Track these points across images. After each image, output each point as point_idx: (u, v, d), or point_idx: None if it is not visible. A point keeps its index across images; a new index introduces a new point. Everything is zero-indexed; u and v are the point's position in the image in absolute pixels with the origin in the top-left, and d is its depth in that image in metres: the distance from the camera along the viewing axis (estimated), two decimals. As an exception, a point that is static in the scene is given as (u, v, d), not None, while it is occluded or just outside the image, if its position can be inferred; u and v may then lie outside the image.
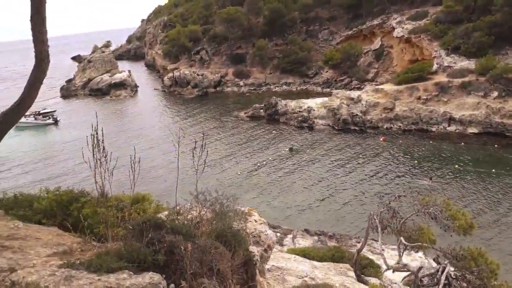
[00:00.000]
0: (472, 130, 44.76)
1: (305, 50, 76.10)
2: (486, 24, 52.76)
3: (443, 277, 9.86)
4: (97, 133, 5.82)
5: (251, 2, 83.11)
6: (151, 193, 11.18)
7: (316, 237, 24.93)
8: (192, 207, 6.73)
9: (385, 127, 48.70)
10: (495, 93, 44.64)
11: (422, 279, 10.75)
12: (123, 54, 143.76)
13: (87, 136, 5.90)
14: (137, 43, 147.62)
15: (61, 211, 7.95)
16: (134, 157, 6.18)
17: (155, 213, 8.02)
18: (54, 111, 66.51)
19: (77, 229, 7.12)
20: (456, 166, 36.85)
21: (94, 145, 5.86)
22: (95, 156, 5.95)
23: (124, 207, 7.46)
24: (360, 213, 29.15)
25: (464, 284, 10.15)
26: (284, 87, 75.25)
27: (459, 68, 50.62)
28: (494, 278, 11.32)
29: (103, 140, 5.94)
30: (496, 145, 41.09)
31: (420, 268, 11.15)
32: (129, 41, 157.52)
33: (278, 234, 23.11)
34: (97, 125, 5.88)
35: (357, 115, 49.72)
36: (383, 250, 13.29)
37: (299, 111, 53.42)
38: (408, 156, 40.19)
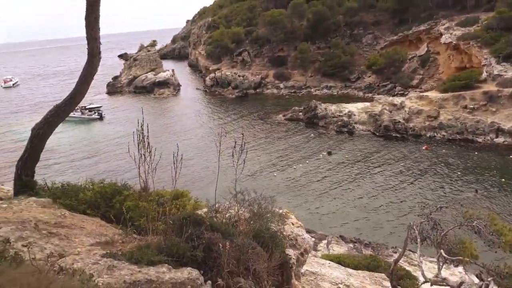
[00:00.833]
0: (522, 142, 42.65)
1: (348, 54, 75.08)
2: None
3: (486, 295, 9.42)
4: (142, 129, 5.97)
5: (295, 5, 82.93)
6: (189, 190, 11.37)
7: (351, 245, 24.52)
8: (230, 206, 6.78)
9: (428, 135, 47.20)
10: (550, 105, 42.27)
11: (463, 295, 10.30)
12: (167, 54, 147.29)
13: (133, 132, 6.06)
14: (181, 43, 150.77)
15: (105, 202, 8.23)
16: (177, 154, 6.29)
17: (194, 209, 8.14)
18: (100, 106, 69.01)
19: (119, 221, 7.32)
20: (503, 179, 35.12)
21: (140, 141, 6.01)
22: (140, 151, 6.10)
23: (164, 202, 7.62)
24: (399, 223, 28.37)
25: (508, 304, 9.67)
26: (325, 90, 74.53)
27: (510, 77, 48.27)
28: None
29: (148, 136, 6.08)
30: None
31: (461, 283, 10.69)
32: (173, 41, 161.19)
33: (313, 239, 22.90)
34: (143, 121, 6.03)
35: (399, 122, 48.48)
36: (421, 262, 12.86)
37: (339, 115, 52.73)
38: (451, 167, 38.73)
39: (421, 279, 12.51)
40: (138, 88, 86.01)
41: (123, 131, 55.30)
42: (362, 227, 28.73)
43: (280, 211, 7.08)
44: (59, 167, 42.42)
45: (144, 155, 6.23)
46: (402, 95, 61.44)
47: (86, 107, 63.69)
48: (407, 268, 16.10)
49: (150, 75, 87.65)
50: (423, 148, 43.87)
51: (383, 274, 11.92)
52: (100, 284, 3.67)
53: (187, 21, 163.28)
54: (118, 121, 62.42)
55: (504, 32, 55.09)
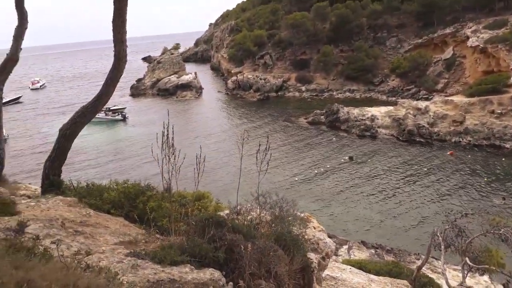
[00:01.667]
0: (552, 149, 41.29)
1: (371, 57, 74.29)
2: None
3: (513, 305, 9.15)
4: (167, 130, 6.05)
5: (318, 8, 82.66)
6: (211, 192, 11.43)
7: (372, 250, 24.18)
8: (252, 209, 6.79)
9: (453, 140, 46.18)
10: None
11: (489, 304, 10.04)
12: (190, 57, 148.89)
13: (156, 134, 6.15)
14: (204, 46, 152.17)
15: (128, 202, 8.36)
16: (200, 156, 6.34)
17: (216, 211, 8.19)
18: (124, 108, 70.27)
19: (142, 221, 7.43)
20: (532, 187, 34.08)
21: (164, 142, 6.09)
22: (164, 152, 6.18)
23: (186, 203, 7.68)
24: (422, 229, 27.85)
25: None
26: (347, 94, 73.93)
27: (540, 81, 46.90)
28: None
29: (172, 138, 6.16)
30: None
31: (487, 292, 10.43)
32: (196, 44, 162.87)
33: (334, 244, 22.68)
34: (168, 122, 6.11)
35: (423, 126, 47.62)
36: (445, 269, 12.60)
37: (362, 119, 52.18)
38: (477, 173, 37.79)
39: (445, 287, 12.25)
40: (161, 90, 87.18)
41: (145, 133, 56.11)
42: (384, 232, 28.32)
43: (302, 214, 7.06)
44: (83, 166, 43.35)
45: (168, 156, 6.31)
46: (427, 99, 60.37)
47: (110, 108, 64.88)
48: (430, 276, 15.76)
49: (173, 77, 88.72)
50: (448, 153, 42.95)
51: (405, 281, 11.71)
52: (125, 282, 3.73)
53: (210, 25, 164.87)
54: (140, 123, 63.39)
55: (534, 35, 53.63)
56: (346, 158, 42.94)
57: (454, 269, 19.30)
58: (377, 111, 53.52)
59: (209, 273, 4.39)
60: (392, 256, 23.36)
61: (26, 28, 9.84)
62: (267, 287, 4.81)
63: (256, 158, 5.98)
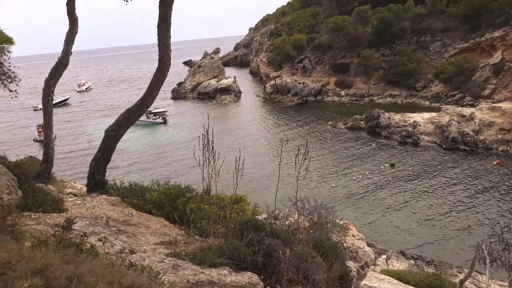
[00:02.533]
0: None
1: (414, 62, 72.27)
2: None
3: None
4: (208, 134, 6.15)
5: (359, 12, 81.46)
6: (248, 195, 11.48)
7: (412, 261, 23.44)
8: (290, 214, 6.77)
9: (500, 149, 44.08)
10: None
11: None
12: (230, 61, 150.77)
13: (198, 136, 6.26)
14: (243, 50, 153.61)
15: (169, 203, 8.56)
16: (239, 159, 6.39)
17: (253, 215, 8.22)
18: (166, 111, 71.95)
19: (182, 222, 7.57)
20: None
21: (205, 145, 6.19)
22: (204, 155, 6.28)
23: (225, 206, 7.76)
24: (466, 241, 26.75)
25: None
26: (388, 99, 72.31)
27: None
28: None
29: (212, 141, 6.25)
30: None
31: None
32: (236, 48, 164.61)
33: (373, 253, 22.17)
34: (208, 126, 6.21)
35: (468, 134, 45.78)
36: (489, 284, 12.03)
37: (404, 125, 50.83)
38: (527, 184, 35.87)
39: (490, 302, 11.69)
40: (201, 94, 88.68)
41: (185, 136, 57.23)
42: (424, 243, 27.39)
43: (341, 222, 6.96)
44: (126, 167, 44.73)
45: (208, 159, 6.41)
46: (472, 105, 58.00)
47: (152, 111, 66.57)
48: (474, 290, 15.10)
49: (213, 81, 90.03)
50: (495, 163, 41.01)
51: (447, 294, 11.27)
52: (166, 282, 3.82)
53: (250, 29, 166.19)
54: (180, 126, 64.69)
55: None
56: (387, 165, 41.92)
57: (501, 285, 18.39)
58: (420, 117, 51.96)
59: (247, 277, 4.41)
60: (432, 268, 22.56)
61: (76, 33, 10.30)
62: (305, 294, 4.78)
63: (295, 163, 5.96)
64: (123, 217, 7.30)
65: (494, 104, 51.21)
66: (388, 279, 11.71)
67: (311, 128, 58.42)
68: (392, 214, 31.59)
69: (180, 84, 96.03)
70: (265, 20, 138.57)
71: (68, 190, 10.85)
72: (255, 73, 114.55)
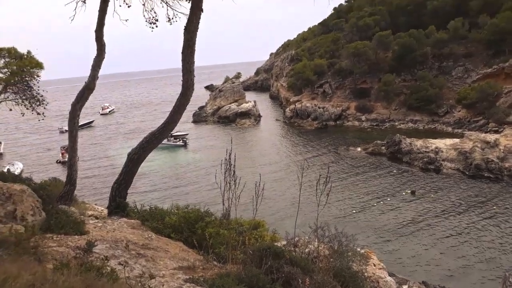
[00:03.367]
0: None
1: (436, 87, 71.62)
2: None
3: None
4: (230, 158, 6.18)
5: (380, 37, 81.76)
6: (266, 221, 11.38)
7: (436, 292, 22.64)
8: (309, 241, 6.68)
9: (527, 177, 42.78)
10: None
11: None
12: (250, 85, 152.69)
13: (221, 161, 6.30)
14: (264, 75, 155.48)
15: (188, 227, 8.56)
16: (259, 184, 6.38)
17: (272, 241, 8.14)
18: (187, 134, 72.77)
19: (200, 246, 7.54)
20: None
21: (226, 169, 6.22)
22: (226, 179, 6.30)
23: (243, 231, 7.71)
24: (491, 272, 25.73)
25: None
26: (410, 124, 71.53)
27: None
28: None
29: (234, 165, 6.27)
30: None
31: None
32: (257, 73, 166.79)
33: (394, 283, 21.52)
34: (230, 150, 6.25)
35: (492, 161, 44.64)
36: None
37: (425, 151, 50.00)
38: (556, 213, 34.53)
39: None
40: (221, 118, 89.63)
41: (205, 159, 57.60)
42: (448, 273, 26.46)
43: (362, 250, 6.83)
44: (145, 190, 45.10)
45: (229, 183, 6.42)
46: (496, 131, 56.75)
47: (173, 134, 67.37)
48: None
49: (233, 105, 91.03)
50: (522, 190, 39.78)
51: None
52: (184, 308, 3.79)
53: (271, 54, 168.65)
54: (201, 149, 65.23)
55: None
56: (408, 191, 41.10)
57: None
58: (442, 143, 51.08)
59: (266, 306, 4.34)
60: (458, 299, 21.71)
61: (103, 59, 10.65)
62: (325, 325, 4.66)
63: (316, 189, 5.92)
64: (143, 240, 7.33)
65: (519, 131, 50.03)
66: (411, 310, 11.32)
67: (331, 153, 58.04)
68: (414, 242, 30.75)
69: (201, 108, 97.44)
70: (286, 46, 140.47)
71: (90, 212, 10.99)
72: (275, 98, 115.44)
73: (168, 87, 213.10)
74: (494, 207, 36.29)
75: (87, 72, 11.38)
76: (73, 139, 11.27)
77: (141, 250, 6.68)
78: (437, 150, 49.61)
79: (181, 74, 9.19)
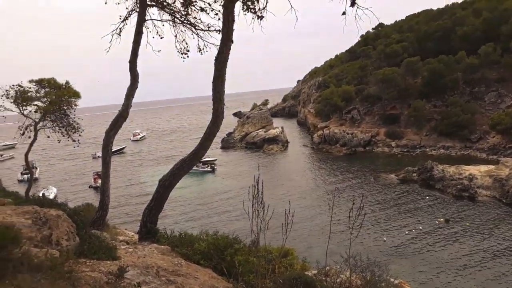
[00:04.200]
0: None
1: (467, 113, 69.97)
2: None
3: None
4: (257, 184, 6.20)
5: (408, 63, 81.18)
6: (296, 248, 11.21)
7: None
8: (341, 271, 6.53)
9: None
10: None
11: None
12: (278, 112, 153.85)
13: (248, 187, 6.32)
14: (291, 101, 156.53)
15: (217, 254, 8.53)
16: (289, 211, 6.35)
17: (302, 270, 7.99)
18: (215, 160, 73.42)
19: (229, 273, 7.49)
20: None
21: (254, 196, 6.23)
22: (254, 206, 6.30)
23: (273, 259, 7.62)
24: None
25: None
26: (442, 150, 69.76)
27: None
28: None
29: (262, 192, 6.28)
30: None
31: None
32: (284, 99, 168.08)
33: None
34: (258, 177, 6.27)
35: (532, 188, 42.75)
36: None
37: (459, 178, 48.47)
38: None
39: None
40: (249, 144, 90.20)
41: (233, 185, 57.70)
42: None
43: (396, 281, 6.61)
44: (175, 215, 45.41)
45: (258, 210, 6.41)
46: (535, 158, 54.57)
47: (201, 160, 68.03)
48: None
49: (261, 132, 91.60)
50: None
51: None
52: (215, 338, 3.75)
53: (298, 81, 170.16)
54: (229, 175, 65.46)
55: None
56: (442, 220, 39.70)
57: None
58: (476, 170, 49.44)
59: (298, 337, 4.24)
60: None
61: (136, 88, 11.02)
62: None
63: (349, 217, 5.83)
64: (172, 267, 7.35)
65: (559, 157, 47.93)
66: None
67: (361, 179, 57.07)
68: (448, 273, 29.46)
69: (229, 134, 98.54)
70: (313, 73, 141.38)
71: (121, 238, 11.14)
72: (302, 124, 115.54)
73: (199, 114, 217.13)
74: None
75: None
76: (106, 165, 11.58)
77: (171, 277, 6.70)
78: (471, 177, 48.03)
79: (211, 101, 9.41)
